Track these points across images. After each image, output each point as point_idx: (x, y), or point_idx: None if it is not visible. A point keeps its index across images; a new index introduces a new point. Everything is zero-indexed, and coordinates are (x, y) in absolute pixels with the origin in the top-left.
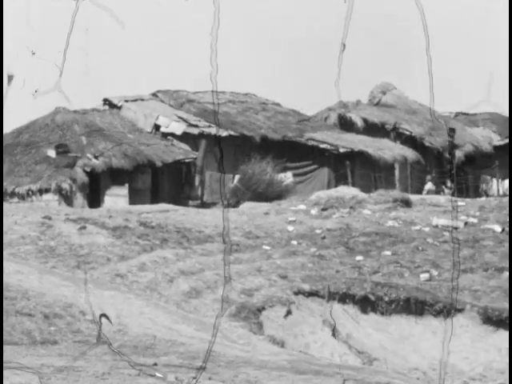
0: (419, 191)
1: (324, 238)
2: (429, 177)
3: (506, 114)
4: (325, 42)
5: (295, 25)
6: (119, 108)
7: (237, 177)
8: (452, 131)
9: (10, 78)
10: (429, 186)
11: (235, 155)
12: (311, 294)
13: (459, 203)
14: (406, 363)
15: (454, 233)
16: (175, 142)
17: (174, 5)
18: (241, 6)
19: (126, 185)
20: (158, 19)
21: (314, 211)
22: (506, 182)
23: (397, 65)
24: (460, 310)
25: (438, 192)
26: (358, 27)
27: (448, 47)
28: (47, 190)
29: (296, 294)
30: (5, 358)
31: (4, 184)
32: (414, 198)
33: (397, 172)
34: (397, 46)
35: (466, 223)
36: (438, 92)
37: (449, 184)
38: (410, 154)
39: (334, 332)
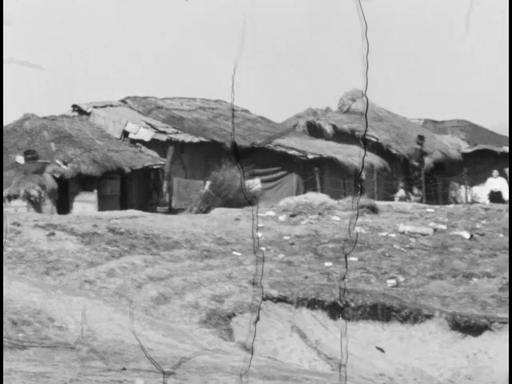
0: (386, 198)
1: (292, 244)
2: (401, 184)
3: (474, 121)
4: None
5: (265, 33)
6: (88, 114)
7: (208, 183)
8: (421, 138)
9: None
10: (401, 192)
11: (206, 161)
12: (280, 299)
13: (428, 210)
14: (372, 369)
15: (423, 239)
16: (143, 148)
17: (146, 12)
18: (214, 13)
19: (95, 191)
20: (130, 25)
21: (282, 217)
22: (474, 188)
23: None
24: (428, 317)
25: (409, 199)
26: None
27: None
28: (16, 197)
29: (264, 299)
30: None
31: None
32: (380, 204)
33: (364, 179)
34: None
35: (434, 230)
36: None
37: (416, 191)
38: (377, 161)
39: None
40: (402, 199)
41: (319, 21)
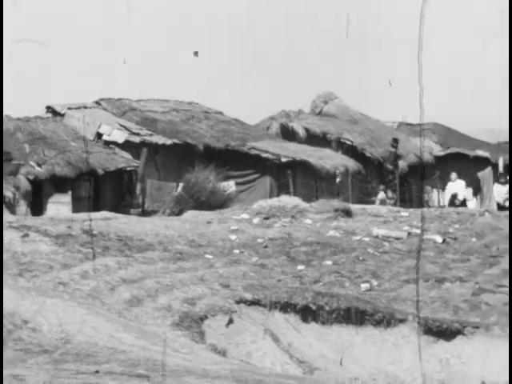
0: (360, 201)
1: (266, 247)
2: (381, 186)
3: (447, 124)
4: (268, 52)
5: (238, 35)
6: (62, 116)
7: (181, 185)
8: (395, 141)
9: None
10: (381, 195)
11: (179, 163)
12: (253, 302)
13: (402, 213)
14: (346, 373)
15: (396, 243)
16: (117, 150)
17: (119, 13)
18: (187, 16)
19: (69, 192)
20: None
21: (256, 220)
22: (447, 192)
23: (338, 74)
24: (401, 321)
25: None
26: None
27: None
28: None
29: (238, 302)
30: None
31: None
32: (354, 207)
33: (337, 181)
34: (339, 56)
35: (408, 233)
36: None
37: (390, 194)
38: (351, 163)
39: None
40: (382, 202)
41: (293, 23)
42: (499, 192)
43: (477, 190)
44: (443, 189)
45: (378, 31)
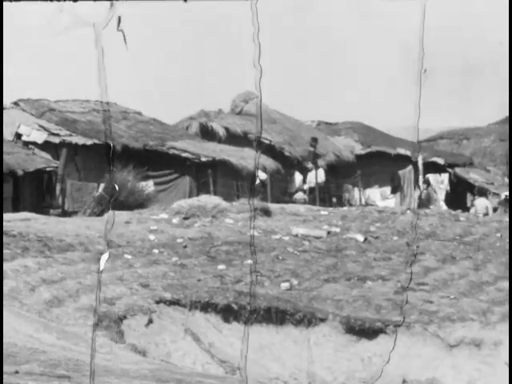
0: (279, 200)
1: (186, 246)
2: (300, 186)
3: (368, 122)
4: (187, 51)
5: (157, 36)
6: None
7: (101, 185)
8: (314, 140)
9: None
10: (300, 195)
11: (99, 164)
12: (173, 302)
13: (322, 212)
14: (267, 372)
15: (316, 242)
16: (36, 150)
17: (40, 15)
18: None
19: None
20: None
21: (175, 220)
22: (368, 191)
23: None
24: (322, 320)
25: (305, 201)
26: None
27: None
28: None
29: (157, 302)
30: None
31: None
32: (274, 207)
33: (257, 181)
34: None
35: (328, 232)
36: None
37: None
38: (270, 163)
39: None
40: (299, 201)
41: (213, 22)
42: (481, 205)
43: (397, 189)
44: (364, 187)
45: (296, 29)
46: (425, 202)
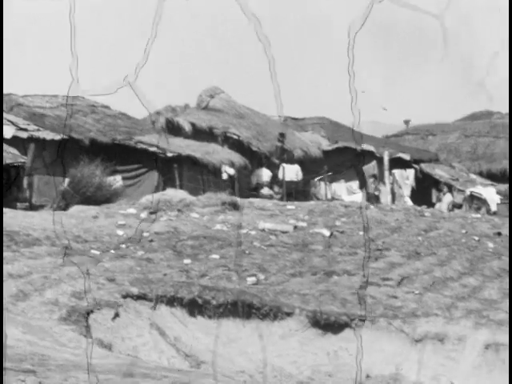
0: (247, 195)
1: (152, 241)
2: (267, 181)
3: (335, 118)
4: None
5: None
6: None
7: (66, 180)
8: (282, 136)
9: None
10: (266, 190)
11: (67, 158)
12: (139, 297)
13: (288, 207)
14: (233, 366)
15: (283, 236)
16: (4, 145)
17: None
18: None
19: None
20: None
21: (143, 215)
22: (333, 185)
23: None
24: (289, 314)
25: (272, 197)
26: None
27: None
28: None
29: (124, 297)
30: None
31: None
32: (241, 201)
33: (225, 176)
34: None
35: (295, 227)
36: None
37: (276, 189)
38: (237, 158)
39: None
40: (266, 196)
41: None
42: (448, 201)
43: (363, 184)
44: (331, 182)
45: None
46: (373, 196)
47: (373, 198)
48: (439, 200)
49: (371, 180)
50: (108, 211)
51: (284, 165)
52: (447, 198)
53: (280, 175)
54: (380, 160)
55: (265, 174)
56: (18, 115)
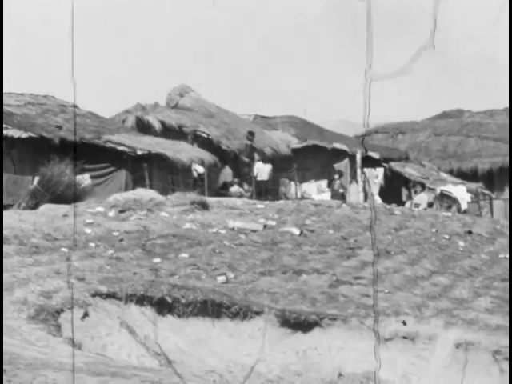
0: (216, 194)
1: (121, 240)
2: (236, 180)
3: (304, 116)
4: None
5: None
6: None
7: (36, 178)
8: (251, 134)
9: None
10: (235, 188)
11: (35, 157)
12: (108, 295)
13: (258, 206)
14: (202, 365)
15: (252, 235)
16: None
17: None
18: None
19: None
20: None
21: (111, 213)
22: (304, 185)
23: (198, 67)
24: (258, 313)
25: (242, 195)
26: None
27: None
28: None
29: (93, 295)
30: None
31: None
32: (211, 200)
33: (195, 174)
34: (199, 48)
35: (264, 226)
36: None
37: (246, 187)
38: (207, 156)
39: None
40: (234, 194)
41: (149, 15)
42: (422, 199)
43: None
44: (301, 181)
45: (235, 22)
46: (338, 193)
47: (337, 196)
48: (410, 198)
49: (336, 177)
50: (77, 210)
51: (257, 164)
52: (423, 198)
53: (255, 173)
54: (352, 158)
55: (227, 173)
56: None
